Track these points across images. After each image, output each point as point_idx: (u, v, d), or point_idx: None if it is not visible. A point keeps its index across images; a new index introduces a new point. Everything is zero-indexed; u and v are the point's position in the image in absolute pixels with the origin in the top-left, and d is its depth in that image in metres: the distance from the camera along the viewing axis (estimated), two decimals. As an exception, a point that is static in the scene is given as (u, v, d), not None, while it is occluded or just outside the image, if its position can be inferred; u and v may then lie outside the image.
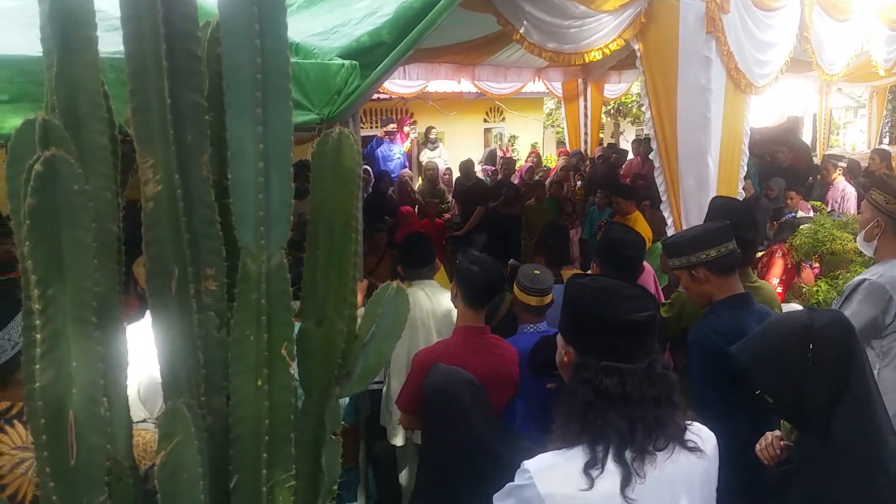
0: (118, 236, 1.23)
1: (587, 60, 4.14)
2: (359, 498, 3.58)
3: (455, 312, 3.62)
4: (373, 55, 3.68)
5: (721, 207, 3.05)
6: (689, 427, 1.46)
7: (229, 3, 1.10)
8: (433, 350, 2.79)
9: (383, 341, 1.43)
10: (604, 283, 1.55)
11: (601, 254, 3.06)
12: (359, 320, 3.26)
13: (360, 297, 3.24)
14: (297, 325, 2.40)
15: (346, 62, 3.61)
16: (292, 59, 3.77)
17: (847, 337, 1.67)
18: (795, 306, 4.02)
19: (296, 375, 1.22)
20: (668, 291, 3.87)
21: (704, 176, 3.92)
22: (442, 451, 2.26)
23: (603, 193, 7.63)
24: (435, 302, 3.60)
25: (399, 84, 8.79)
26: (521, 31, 4.11)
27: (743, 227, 3.02)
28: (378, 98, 9.93)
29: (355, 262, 1.39)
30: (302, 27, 4.18)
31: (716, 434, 1.72)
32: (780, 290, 4.81)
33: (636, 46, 4.00)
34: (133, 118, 1.12)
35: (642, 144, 10.32)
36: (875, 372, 2.71)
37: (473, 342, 2.76)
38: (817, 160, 9.97)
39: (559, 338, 1.58)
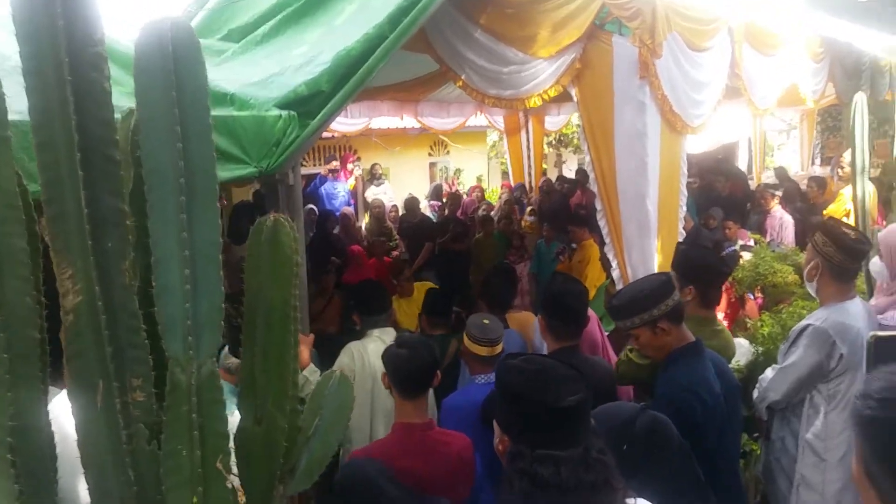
0: (40, 341, 1.16)
1: (528, 106, 4.19)
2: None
3: None
4: (311, 104, 3.63)
5: (685, 256, 3.13)
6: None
7: (149, 104, 1.06)
8: (368, 451, 2.51)
9: (328, 434, 1.39)
10: (535, 365, 1.53)
11: (546, 305, 3.06)
12: (305, 380, 3.16)
13: (305, 352, 3.19)
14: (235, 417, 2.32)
15: (284, 113, 3.54)
16: (227, 112, 3.72)
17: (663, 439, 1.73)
18: (743, 342, 4.09)
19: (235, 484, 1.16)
20: (614, 336, 3.89)
21: (645, 220, 3.99)
22: None
23: (549, 227, 7.75)
24: None
25: (342, 122, 8.78)
26: (463, 77, 4.13)
27: (713, 270, 3.12)
28: (321, 136, 9.88)
29: (295, 354, 1.35)
30: (237, 76, 4.11)
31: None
32: (725, 323, 4.90)
33: (573, 91, 4.08)
34: (49, 228, 1.06)
35: (580, 174, 10.59)
36: (822, 415, 2.78)
37: (415, 441, 2.44)
38: (754, 184, 10.32)
39: (494, 423, 1.56)
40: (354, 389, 3.35)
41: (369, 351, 3.51)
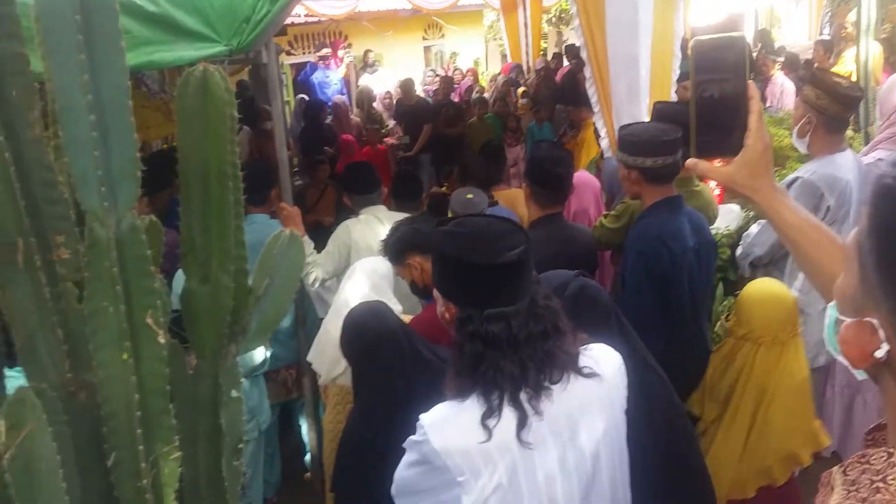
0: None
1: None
2: (308, 428, 3.59)
3: None
4: (283, -23, 3.44)
5: (664, 112, 3.02)
6: (584, 352, 1.43)
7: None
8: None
9: (280, 294, 1.36)
10: (468, 226, 1.48)
11: (528, 172, 3.01)
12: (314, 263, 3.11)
13: (296, 227, 3.16)
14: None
15: (253, -13, 3.36)
16: (195, -17, 3.49)
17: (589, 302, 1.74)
18: (734, 207, 4.04)
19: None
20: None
21: (636, 84, 3.83)
22: (364, 415, 2.02)
23: (540, 108, 7.57)
24: (388, 226, 3.56)
25: (328, 4, 8.41)
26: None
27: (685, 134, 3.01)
28: (308, 21, 9.48)
29: (238, 212, 1.30)
30: (204, -49, 3.87)
31: (638, 333, 1.74)
32: (717, 191, 4.83)
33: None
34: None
35: (569, 50, 10.37)
36: None
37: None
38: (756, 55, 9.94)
39: (436, 293, 1.51)
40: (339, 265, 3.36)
41: (355, 231, 3.50)
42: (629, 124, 2.82)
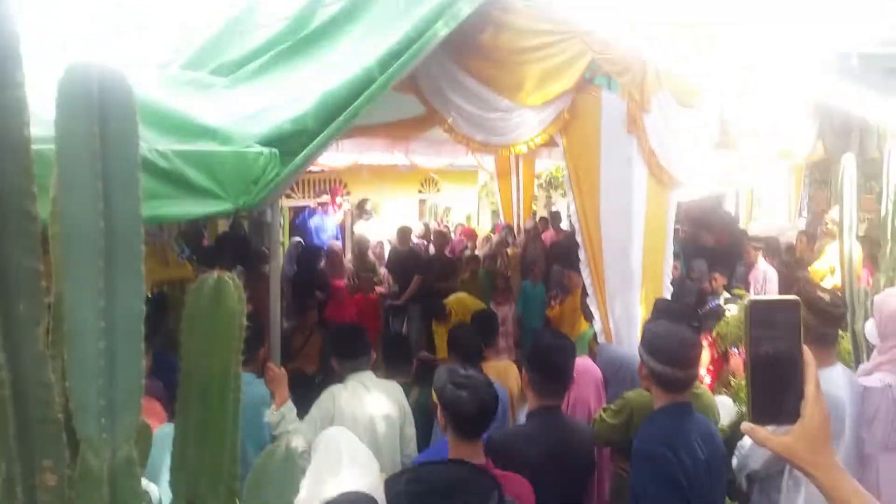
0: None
1: (514, 152, 4.15)
2: None
3: (398, 404, 3.47)
4: (295, 142, 3.57)
5: (662, 311, 3.05)
6: None
7: (68, 154, 0.95)
8: None
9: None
10: (424, 481, 1.39)
11: (530, 360, 2.95)
12: (282, 417, 2.96)
13: (280, 390, 3.04)
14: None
15: (266, 150, 3.47)
16: (209, 147, 3.63)
17: None
18: (725, 399, 3.98)
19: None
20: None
21: (628, 272, 3.93)
22: None
23: (534, 266, 7.67)
24: (375, 396, 3.46)
25: (331, 156, 8.72)
26: (450, 121, 4.09)
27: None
28: (310, 170, 9.81)
29: (235, 427, 1.23)
30: (223, 110, 4.04)
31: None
32: (708, 380, 4.79)
33: (560, 141, 4.03)
34: (-50, 289, 0.95)
35: (553, 216, 10.93)
36: (802, 488, 2.67)
37: None
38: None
39: None
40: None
41: (341, 398, 3.39)
42: (657, 321, 2.82)
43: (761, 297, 1.09)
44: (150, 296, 5.16)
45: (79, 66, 0.95)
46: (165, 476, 1.22)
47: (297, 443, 3.22)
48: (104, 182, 0.95)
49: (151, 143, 3.08)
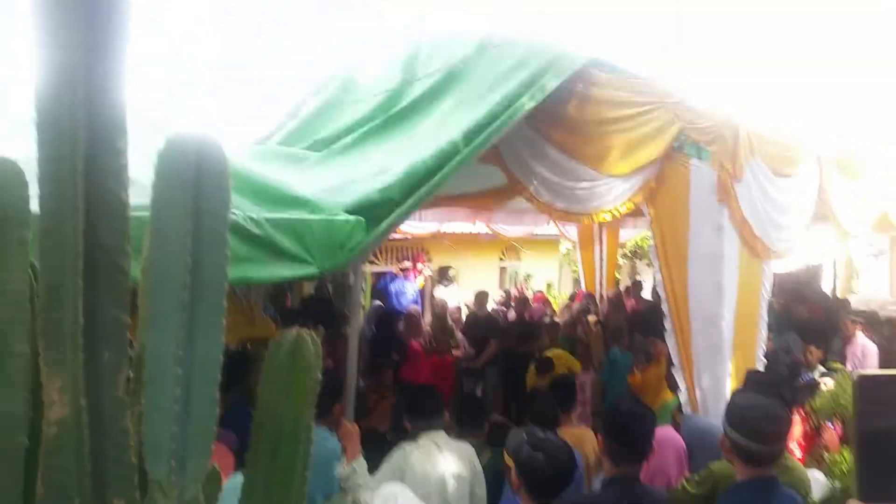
0: (26, 449, 1.09)
1: (596, 221, 4.10)
2: None
3: (469, 464, 3.42)
4: (380, 210, 3.68)
5: (757, 382, 2.91)
6: None
7: (162, 211, 1.00)
8: None
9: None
10: None
11: (607, 427, 2.85)
12: (352, 471, 2.94)
13: (352, 445, 3.05)
14: None
15: (352, 218, 3.59)
16: (300, 214, 3.77)
17: None
18: (818, 475, 3.72)
19: None
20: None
21: (718, 343, 3.76)
22: None
23: (621, 335, 7.42)
24: (447, 455, 3.43)
25: (414, 225, 8.89)
26: (531, 189, 4.11)
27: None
28: (393, 237, 10.04)
29: (303, 478, 1.24)
30: (315, 181, 4.23)
31: None
32: (799, 454, 4.50)
33: (646, 210, 3.96)
34: (42, 335, 1.01)
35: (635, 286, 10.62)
36: None
37: None
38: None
39: None
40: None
41: (413, 457, 3.36)
42: (742, 394, 2.69)
43: (870, 371, 1.02)
44: (233, 351, 5.32)
45: (178, 137, 1.01)
46: None
47: (364, 496, 3.20)
48: (193, 239, 1.00)
49: (246, 210, 3.22)
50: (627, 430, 2.75)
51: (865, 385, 1.01)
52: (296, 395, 1.22)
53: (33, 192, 1.07)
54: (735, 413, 2.45)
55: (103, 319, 1.01)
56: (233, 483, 1.36)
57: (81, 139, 0.95)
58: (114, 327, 1.02)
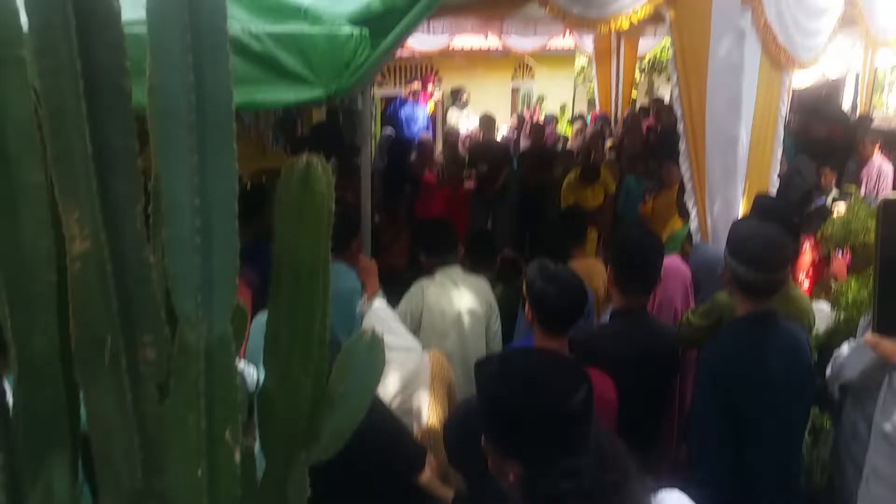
0: (56, 286, 1.10)
1: (613, 28, 3.84)
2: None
3: (484, 299, 3.54)
4: (385, 21, 3.45)
5: (761, 209, 2.88)
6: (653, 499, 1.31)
7: (159, 26, 0.93)
8: None
9: (353, 401, 1.30)
10: (521, 369, 1.36)
11: (615, 258, 2.88)
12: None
13: (371, 281, 3.13)
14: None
15: (356, 30, 3.38)
16: (299, 27, 3.56)
17: None
18: (823, 307, 3.77)
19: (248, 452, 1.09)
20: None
21: (732, 165, 3.67)
22: None
23: (638, 162, 7.27)
24: (463, 291, 3.52)
25: (422, 40, 8.49)
26: (545, -10, 3.81)
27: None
28: (400, 56, 9.62)
29: (325, 311, 1.26)
30: (310, -14, 3.95)
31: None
32: (807, 284, 4.55)
33: (667, 14, 3.70)
34: (54, 168, 0.97)
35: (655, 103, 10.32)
36: None
37: None
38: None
39: (489, 446, 1.38)
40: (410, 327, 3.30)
41: (428, 293, 3.46)
42: (744, 221, 2.65)
43: (892, 195, 0.97)
44: (247, 183, 5.31)
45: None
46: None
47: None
48: (194, 55, 0.93)
49: (244, 23, 3.04)
50: (635, 260, 2.78)
51: (891, 210, 0.96)
52: (309, 227, 1.19)
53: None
54: (735, 241, 2.42)
55: (112, 147, 0.96)
56: (258, 322, 1.40)
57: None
58: (123, 155, 0.97)
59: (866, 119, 8.52)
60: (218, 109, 0.99)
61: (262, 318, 1.43)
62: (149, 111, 1.00)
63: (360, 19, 3.40)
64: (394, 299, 3.40)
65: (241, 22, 3.02)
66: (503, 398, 1.33)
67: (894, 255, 0.92)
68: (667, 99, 10.92)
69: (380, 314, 2.85)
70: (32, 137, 1.07)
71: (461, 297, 3.47)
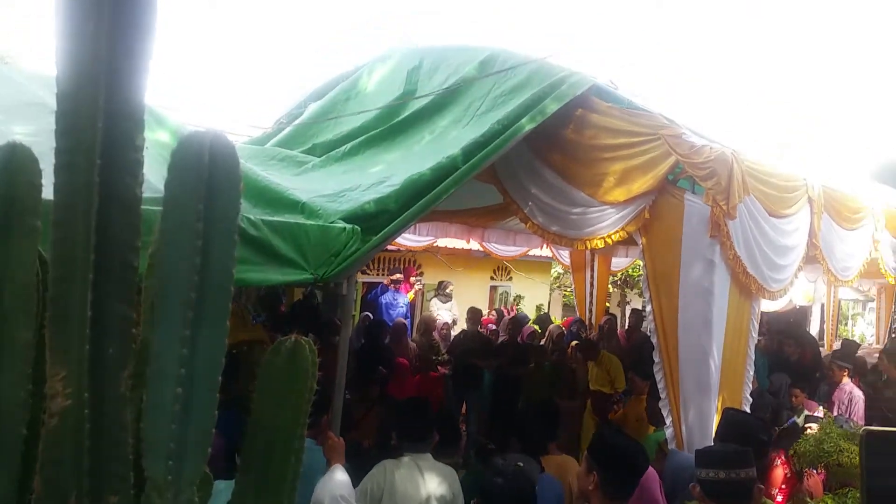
0: (25, 439, 1.11)
1: (589, 247, 4.13)
2: None
3: (450, 488, 3.41)
4: (376, 221, 3.71)
5: (731, 422, 2.93)
6: None
7: (174, 213, 1.03)
8: None
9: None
10: None
11: (600, 458, 2.83)
12: None
13: (337, 459, 3.05)
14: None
15: (348, 226, 3.62)
16: (296, 219, 3.79)
17: None
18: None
19: None
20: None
21: (706, 379, 3.77)
22: None
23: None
24: (432, 476, 3.42)
25: (408, 238, 8.90)
26: (526, 211, 4.15)
27: (753, 446, 2.88)
28: (386, 248, 10.07)
29: (293, 485, 1.25)
30: (312, 186, 4.27)
31: None
32: (780, 499, 4.48)
33: (639, 240, 4.00)
34: (49, 326, 1.02)
35: (633, 315, 10.47)
36: None
37: None
38: (824, 351, 9.79)
39: None
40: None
41: (396, 476, 3.35)
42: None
43: (876, 428, 1.03)
44: (230, 353, 5.28)
45: (192, 136, 1.03)
46: None
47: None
48: (204, 241, 1.02)
49: (244, 211, 3.26)
50: (623, 461, 2.76)
51: (872, 441, 1.02)
52: (291, 403, 1.24)
53: (46, 179, 1.09)
54: (701, 456, 2.51)
55: (110, 315, 1.02)
56: (216, 489, 1.38)
57: (99, 132, 0.97)
58: (120, 323, 1.03)
59: (851, 348, 8.85)
60: (218, 291, 1.05)
61: (220, 485, 1.40)
62: (148, 283, 1.07)
63: (354, 217, 3.65)
64: (358, 476, 3.31)
65: (242, 211, 3.25)
66: None
67: (880, 485, 0.96)
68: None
69: (336, 481, 2.78)
70: (29, 298, 1.13)
71: (428, 482, 3.37)
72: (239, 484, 1.24)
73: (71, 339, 1.01)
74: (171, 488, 1.02)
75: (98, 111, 0.97)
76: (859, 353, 8.69)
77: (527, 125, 3.91)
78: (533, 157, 4.00)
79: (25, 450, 1.11)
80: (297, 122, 5.92)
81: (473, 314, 9.06)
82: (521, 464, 3.36)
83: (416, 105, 4.90)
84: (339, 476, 2.89)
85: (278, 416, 1.26)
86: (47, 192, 1.11)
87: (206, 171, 1.02)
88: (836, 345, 10.82)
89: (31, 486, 1.10)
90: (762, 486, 2.81)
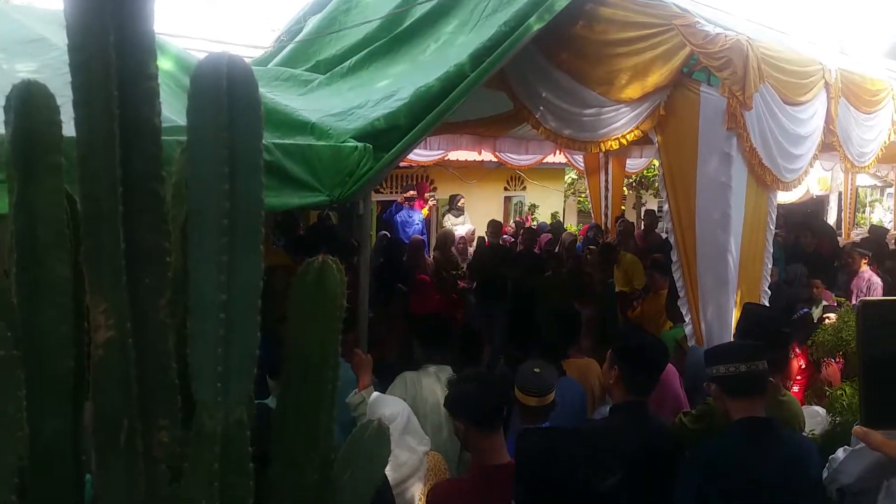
0: (74, 370, 1.16)
1: (603, 149, 4.08)
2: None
3: None
4: (387, 138, 3.68)
5: (751, 316, 2.96)
6: None
7: (198, 141, 1.03)
8: (443, 491, 2.53)
9: (361, 487, 1.32)
10: (558, 439, 1.41)
11: (623, 356, 2.90)
12: (362, 399, 3.14)
13: (365, 375, 3.17)
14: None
15: (360, 145, 3.60)
16: (306, 140, 3.77)
17: None
18: (819, 410, 3.79)
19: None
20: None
21: (724, 275, 3.79)
22: None
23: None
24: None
25: (419, 153, 8.84)
26: (537, 115, 4.08)
27: (771, 340, 2.93)
28: (398, 166, 10.01)
29: (332, 404, 1.30)
30: (320, 105, 4.21)
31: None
32: (795, 389, 4.57)
33: (655, 138, 3.94)
34: (85, 262, 1.05)
35: (648, 216, 10.54)
36: None
37: (492, 486, 2.31)
38: (842, 240, 9.79)
39: None
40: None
41: (423, 385, 3.48)
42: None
43: (874, 298, 1.05)
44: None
45: (209, 62, 1.02)
46: None
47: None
48: (230, 167, 1.02)
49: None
50: (644, 357, 2.84)
51: (869, 310, 1.04)
52: (322, 323, 1.25)
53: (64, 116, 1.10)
54: (714, 353, 2.55)
55: (144, 246, 1.04)
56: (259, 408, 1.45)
57: (113, 63, 0.97)
58: (153, 253, 1.06)
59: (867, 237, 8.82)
60: (250, 216, 1.07)
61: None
62: (174, 211, 1.09)
63: (364, 135, 3.62)
64: (385, 390, 3.42)
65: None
66: (533, 463, 1.37)
67: (875, 351, 0.99)
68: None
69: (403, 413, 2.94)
70: (61, 234, 1.16)
71: (433, 402, 3.48)
72: (280, 403, 1.28)
73: (108, 273, 1.04)
74: (222, 409, 1.06)
75: (108, 43, 0.97)
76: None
77: (535, 25, 3.79)
78: (543, 59, 3.89)
79: (75, 383, 1.16)
80: (297, 38, 5.78)
81: (493, 226, 9.11)
82: (538, 370, 3.47)
83: (418, 11, 4.75)
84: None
85: (314, 334, 1.28)
86: (66, 129, 1.12)
87: (225, 97, 1.01)
88: (856, 233, 10.81)
89: (81, 419, 1.16)
90: (773, 380, 2.89)
